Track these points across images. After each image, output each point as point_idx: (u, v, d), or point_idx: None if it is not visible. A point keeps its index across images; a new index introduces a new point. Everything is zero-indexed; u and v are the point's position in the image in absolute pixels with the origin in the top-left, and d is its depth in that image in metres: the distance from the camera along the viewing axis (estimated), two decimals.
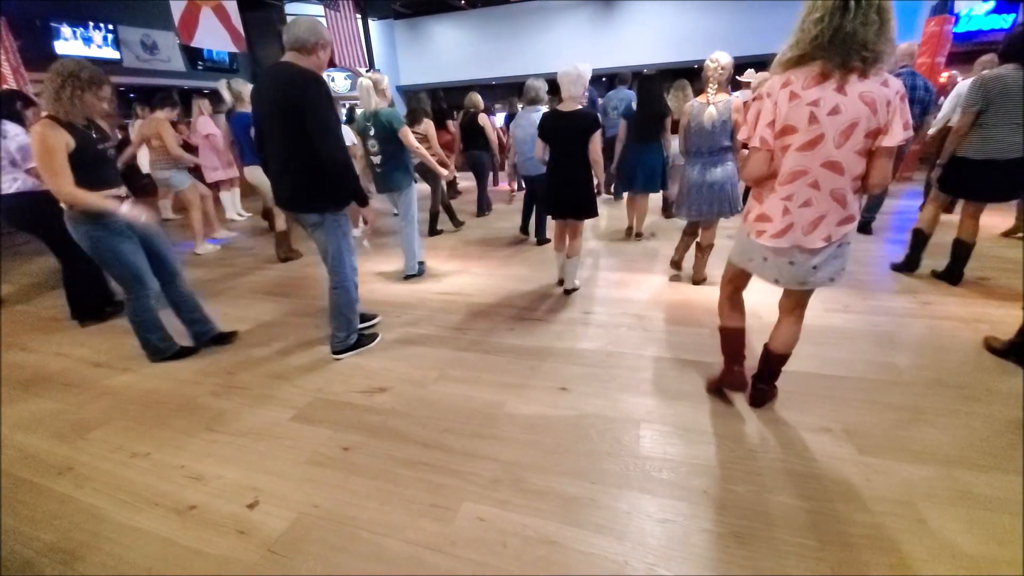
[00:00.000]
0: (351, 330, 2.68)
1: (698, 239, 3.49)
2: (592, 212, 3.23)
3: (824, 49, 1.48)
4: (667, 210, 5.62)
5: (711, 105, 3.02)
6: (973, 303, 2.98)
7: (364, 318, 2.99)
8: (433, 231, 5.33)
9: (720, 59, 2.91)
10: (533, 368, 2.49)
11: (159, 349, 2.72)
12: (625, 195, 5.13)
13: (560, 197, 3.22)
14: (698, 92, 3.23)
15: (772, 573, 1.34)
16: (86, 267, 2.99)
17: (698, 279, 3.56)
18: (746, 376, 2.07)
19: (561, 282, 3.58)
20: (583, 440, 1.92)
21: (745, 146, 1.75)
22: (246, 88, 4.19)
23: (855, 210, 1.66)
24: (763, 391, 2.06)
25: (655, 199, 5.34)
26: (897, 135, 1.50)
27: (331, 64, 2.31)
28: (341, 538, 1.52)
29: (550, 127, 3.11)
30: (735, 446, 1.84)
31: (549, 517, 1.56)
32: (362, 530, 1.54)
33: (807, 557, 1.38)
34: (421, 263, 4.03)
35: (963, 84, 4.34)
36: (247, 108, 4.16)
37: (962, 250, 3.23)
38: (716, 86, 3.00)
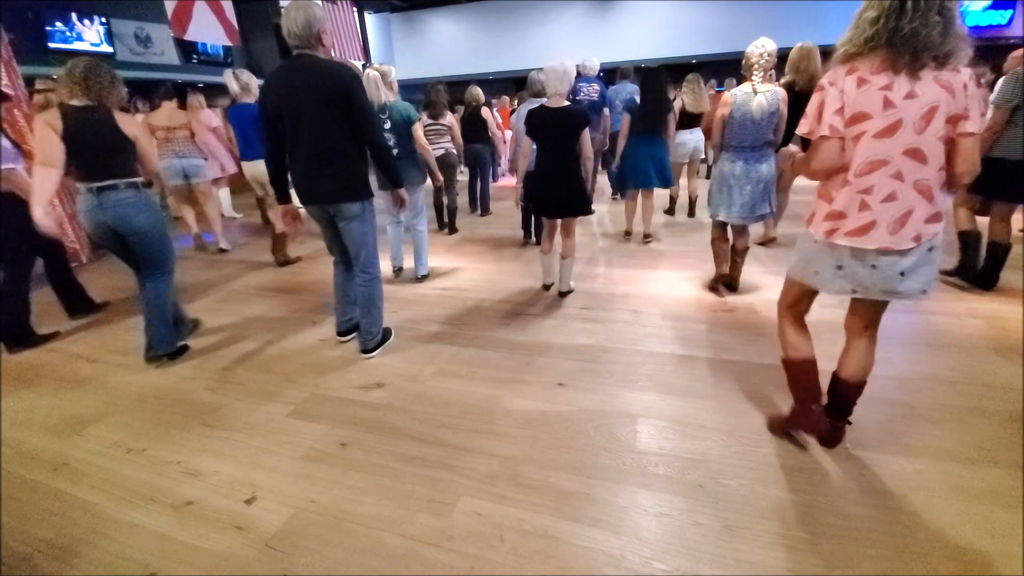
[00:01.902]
0: (382, 325, 2.68)
1: (733, 243, 3.19)
2: (586, 209, 3.13)
3: (884, 49, 1.40)
4: (671, 208, 5.62)
5: (759, 94, 2.77)
6: (967, 299, 3.00)
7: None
8: (444, 226, 5.32)
9: (766, 45, 2.73)
10: (530, 364, 2.49)
11: (170, 341, 2.69)
12: (629, 194, 4.87)
13: (551, 195, 3.11)
14: (740, 81, 2.99)
15: (765, 565, 1.35)
16: (19, 284, 2.99)
17: (735, 286, 3.30)
18: (824, 416, 1.77)
19: (547, 287, 3.48)
20: (580, 435, 1.93)
21: (805, 140, 1.60)
22: (253, 80, 4.13)
23: (943, 206, 1.47)
24: (840, 429, 1.78)
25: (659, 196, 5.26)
26: (977, 119, 1.40)
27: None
28: (338, 533, 1.52)
29: (539, 123, 3.00)
30: (730, 440, 1.86)
31: (546, 511, 1.57)
32: (359, 525, 1.55)
33: (800, 550, 1.39)
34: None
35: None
36: (251, 99, 4.08)
37: (998, 252, 3.06)
38: (762, 74, 2.79)
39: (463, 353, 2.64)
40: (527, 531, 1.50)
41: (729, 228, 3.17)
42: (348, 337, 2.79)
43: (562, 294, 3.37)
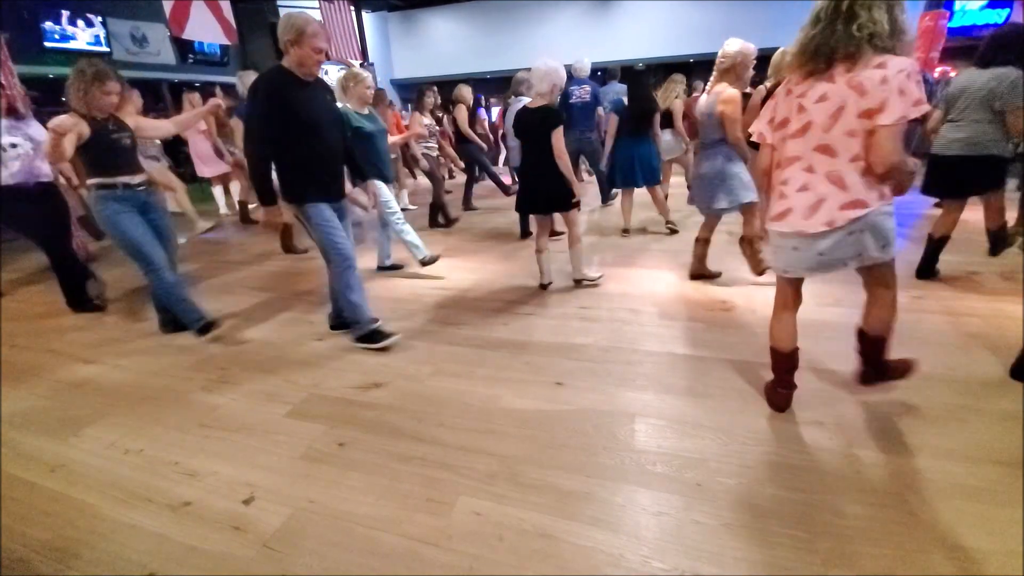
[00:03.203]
0: (359, 317, 2.69)
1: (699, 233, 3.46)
2: (564, 205, 3.18)
3: (806, 56, 1.63)
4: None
5: (706, 95, 3.06)
6: (964, 297, 3.01)
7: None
8: (434, 223, 5.41)
9: (726, 47, 2.89)
10: (529, 363, 2.49)
11: (188, 322, 2.86)
12: (620, 194, 4.98)
13: (531, 192, 3.24)
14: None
15: (763, 563, 1.35)
16: (72, 263, 3.43)
17: (692, 273, 3.51)
18: (786, 398, 2.00)
19: (543, 286, 3.48)
20: (579, 434, 1.93)
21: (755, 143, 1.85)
22: None
23: (864, 195, 1.60)
24: (867, 372, 2.01)
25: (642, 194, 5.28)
26: (895, 111, 1.47)
27: (325, 57, 2.34)
28: (337, 533, 1.52)
29: (518, 123, 3.16)
30: (728, 439, 1.86)
31: (545, 511, 1.56)
32: (358, 525, 1.55)
33: (798, 548, 1.39)
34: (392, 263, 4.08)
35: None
36: None
37: (930, 244, 3.28)
38: (715, 76, 2.98)
39: (461, 352, 2.64)
40: (526, 530, 1.50)
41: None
42: (340, 331, 2.87)
43: (576, 282, 3.45)
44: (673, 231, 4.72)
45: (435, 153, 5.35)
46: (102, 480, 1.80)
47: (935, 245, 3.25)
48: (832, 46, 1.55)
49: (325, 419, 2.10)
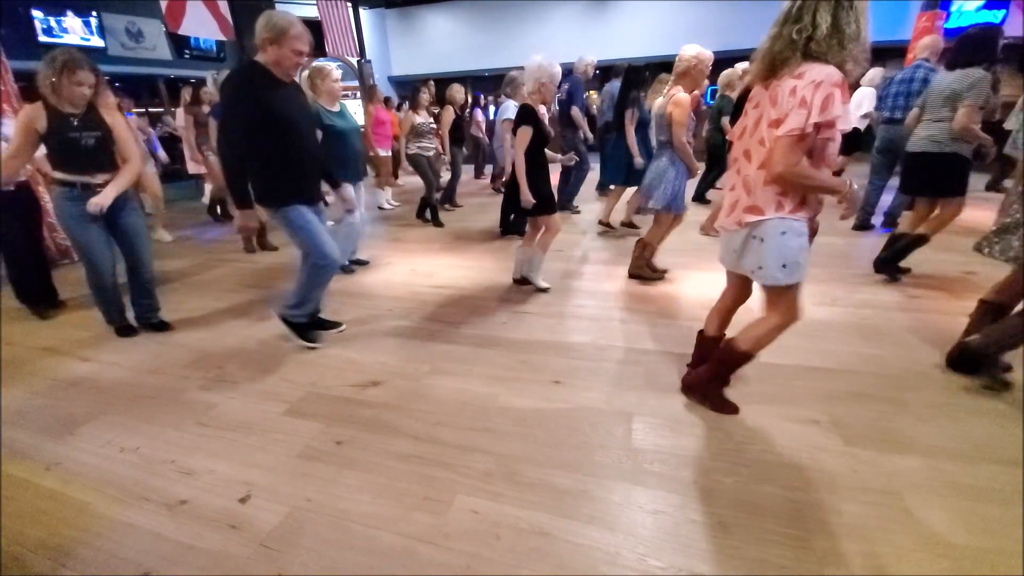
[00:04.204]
0: (296, 304, 2.66)
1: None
2: (526, 209, 3.12)
3: (755, 62, 1.66)
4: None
5: (660, 97, 3.11)
6: (959, 297, 3.03)
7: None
8: (433, 220, 5.45)
9: (683, 51, 2.93)
10: (526, 361, 2.49)
11: (107, 320, 2.94)
12: (612, 189, 5.07)
13: (510, 193, 3.29)
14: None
15: (759, 562, 1.36)
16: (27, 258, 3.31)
17: (631, 273, 3.53)
18: (692, 378, 2.11)
19: (516, 281, 3.51)
20: (576, 433, 1.94)
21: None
22: None
23: (761, 202, 1.64)
24: (695, 376, 2.10)
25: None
26: (789, 123, 1.47)
27: (322, 53, 2.30)
28: (334, 532, 1.52)
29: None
30: (724, 438, 1.87)
31: (542, 509, 1.57)
32: (355, 523, 1.55)
33: (793, 546, 1.40)
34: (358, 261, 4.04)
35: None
36: None
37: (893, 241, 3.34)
38: (672, 78, 3.01)
39: (459, 351, 2.64)
40: (523, 529, 1.50)
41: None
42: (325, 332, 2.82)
43: (516, 280, 3.48)
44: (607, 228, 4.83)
45: (431, 152, 5.31)
46: (98, 478, 1.79)
47: (907, 242, 3.24)
48: (774, 51, 1.55)
49: (322, 417, 2.10)
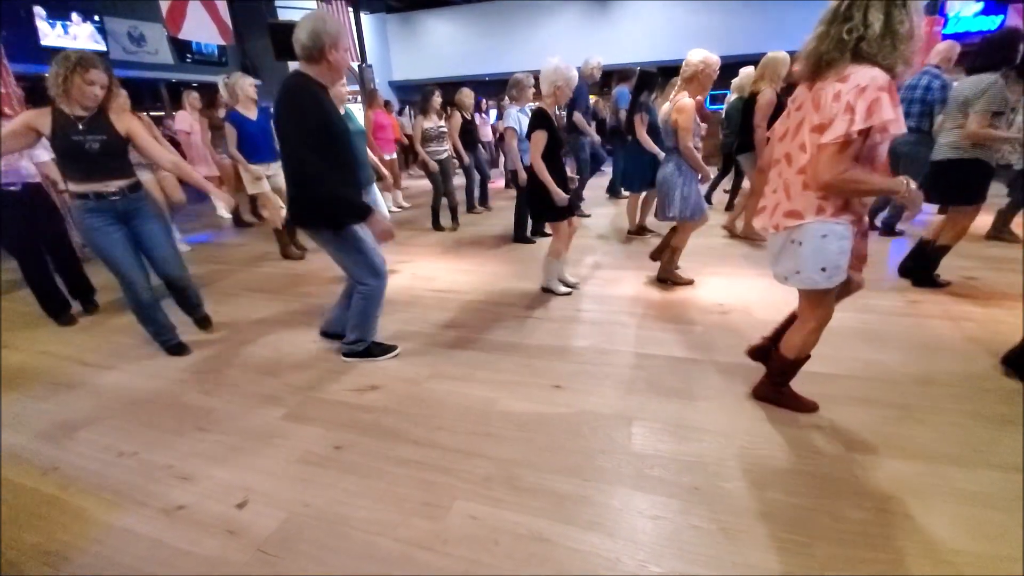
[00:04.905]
0: (366, 337, 2.57)
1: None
2: (540, 215, 3.13)
3: (801, 62, 1.62)
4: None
5: (666, 103, 3.08)
6: (961, 302, 3.02)
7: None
8: (434, 224, 5.47)
9: (689, 56, 2.92)
10: (526, 365, 2.48)
11: (158, 341, 2.76)
12: (628, 195, 5.06)
13: (526, 197, 3.29)
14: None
15: (761, 568, 1.35)
16: (44, 265, 3.25)
17: (660, 277, 3.50)
18: (761, 388, 2.10)
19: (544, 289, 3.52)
20: (576, 437, 1.93)
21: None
22: (245, 86, 4.10)
23: (801, 206, 1.64)
24: (764, 387, 2.09)
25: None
26: (834, 130, 1.44)
27: None
28: (332, 537, 1.51)
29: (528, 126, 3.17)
30: (726, 443, 1.86)
31: (541, 515, 1.56)
32: (354, 529, 1.54)
33: (796, 553, 1.39)
34: None
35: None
36: (242, 108, 4.09)
37: (921, 250, 3.27)
38: (679, 84, 3.00)
39: (459, 355, 2.63)
40: (522, 534, 1.49)
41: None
42: (325, 342, 2.71)
43: (543, 290, 3.46)
44: (632, 233, 4.83)
45: (443, 156, 5.33)
46: (96, 483, 1.78)
47: (933, 252, 3.21)
48: (821, 51, 1.51)
49: (321, 422, 2.09)
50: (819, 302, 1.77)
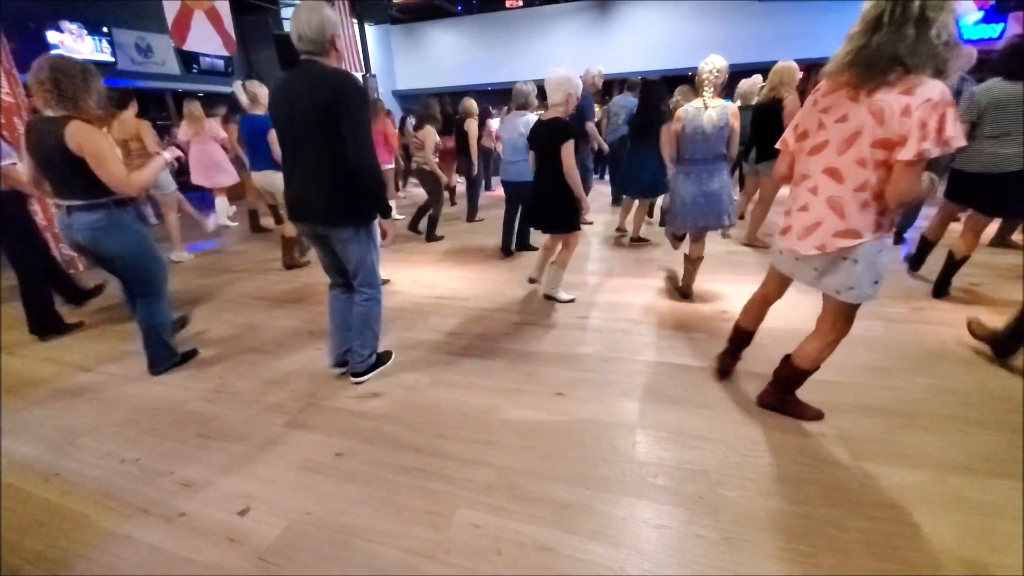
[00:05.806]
0: (376, 347, 2.50)
1: (687, 251, 3.33)
2: (559, 226, 3.13)
3: (853, 65, 1.48)
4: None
5: (710, 109, 2.93)
6: (965, 309, 3.00)
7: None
8: (428, 234, 5.43)
9: (716, 63, 2.88)
10: (529, 373, 2.48)
11: (170, 355, 2.66)
12: (623, 199, 5.13)
13: (534, 205, 3.22)
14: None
15: None
16: (40, 281, 3.17)
17: (685, 292, 3.39)
18: (727, 365, 2.30)
19: (531, 280, 3.59)
20: (579, 446, 1.92)
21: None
22: (262, 90, 4.13)
23: (859, 225, 1.57)
24: (769, 394, 2.07)
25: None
26: (913, 147, 1.37)
27: None
28: (333, 546, 1.50)
29: (531, 135, 3.17)
30: (729, 451, 1.84)
31: (544, 523, 1.55)
32: (355, 537, 1.53)
33: (801, 563, 1.38)
34: None
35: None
36: (260, 111, 4.10)
37: (950, 263, 3.17)
38: (712, 90, 2.94)
39: (461, 363, 2.63)
40: (524, 543, 1.48)
41: (688, 238, 3.35)
42: (344, 369, 2.51)
43: (546, 297, 3.44)
44: (634, 243, 4.88)
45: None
46: (97, 490, 1.78)
47: (953, 265, 3.16)
48: (862, 61, 1.43)
49: (323, 429, 2.09)
50: (851, 315, 1.76)
